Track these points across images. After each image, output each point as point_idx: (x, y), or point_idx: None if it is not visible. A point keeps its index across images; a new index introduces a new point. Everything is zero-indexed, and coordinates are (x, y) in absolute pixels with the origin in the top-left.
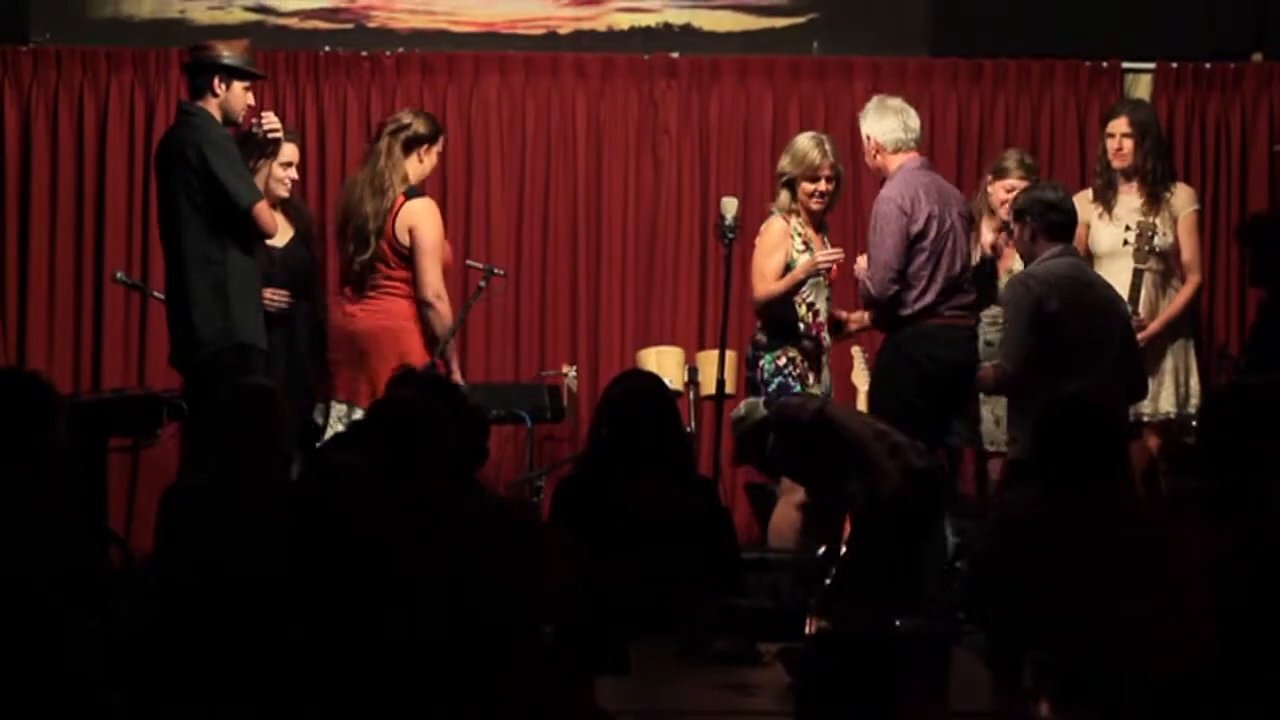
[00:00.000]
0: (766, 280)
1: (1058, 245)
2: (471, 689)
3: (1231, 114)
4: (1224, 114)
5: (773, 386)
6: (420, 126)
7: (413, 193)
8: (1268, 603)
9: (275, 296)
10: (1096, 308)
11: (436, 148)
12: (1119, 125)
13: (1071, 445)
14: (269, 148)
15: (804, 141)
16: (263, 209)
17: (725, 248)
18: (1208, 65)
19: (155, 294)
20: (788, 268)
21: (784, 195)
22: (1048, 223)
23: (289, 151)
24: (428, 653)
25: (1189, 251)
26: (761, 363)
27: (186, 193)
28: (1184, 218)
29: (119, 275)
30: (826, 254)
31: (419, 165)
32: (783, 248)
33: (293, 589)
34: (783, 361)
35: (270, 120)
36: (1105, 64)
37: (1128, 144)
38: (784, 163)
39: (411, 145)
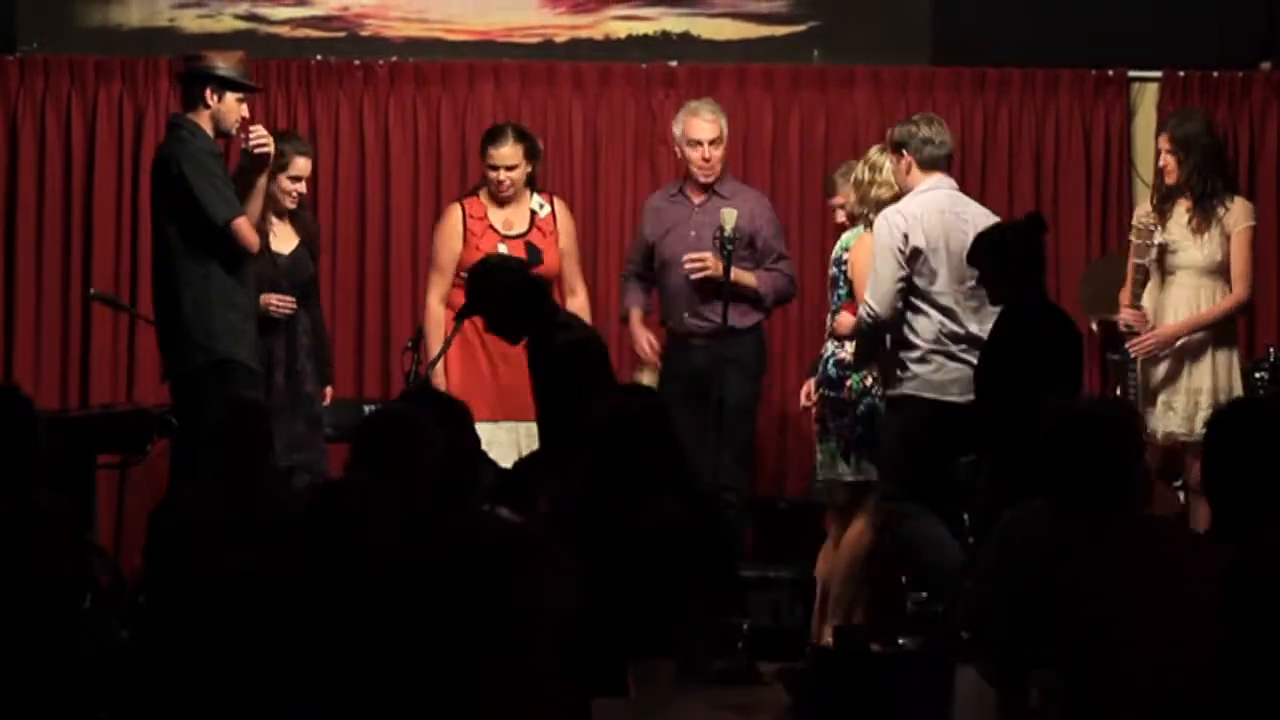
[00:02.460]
0: None
1: (933, 177)
2: (465, 705)
3: (1240, 124)
4: (1232, 124)
5: (861, 407)
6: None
7: (460, 197)
8: (1267, 623)
9: (281, 302)
10: (963, 242)
11: (487, 160)
12: (1162, 142)
13: (1080, 460)
14: (259, 162)
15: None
16: (241, 225)
17: (724, 259)
18: (1215, 74)
19: (130, 308)
20: None
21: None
22: (922, 156)
23: (300, 165)
24: (422, 668)
25: (1238, 266)
26: (849, 382)
27: (168, 208)
28: (1237, 233)
29: (94, 291)
30: None
31: (485, 176)
32: None
33: (295, 602)
34: (869, 381)
35: (258, 135)
36: (1111, 73)
37: (1170, 160)
38: (881, 184)
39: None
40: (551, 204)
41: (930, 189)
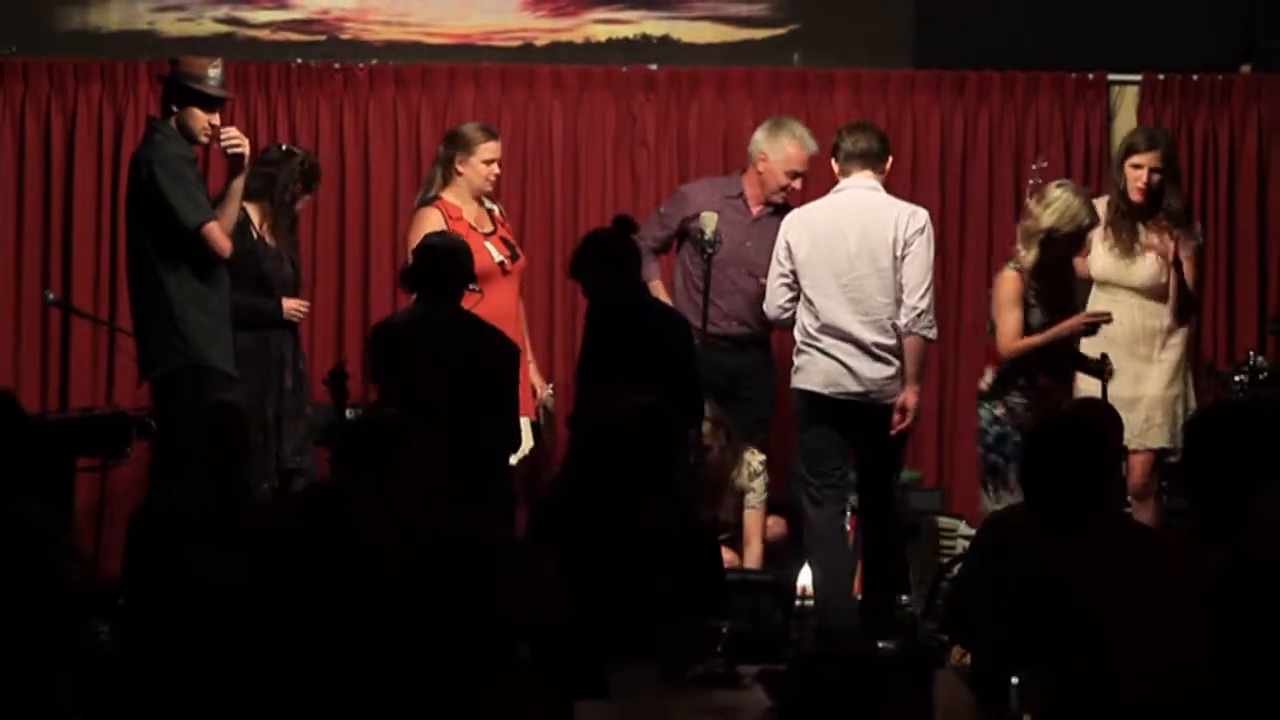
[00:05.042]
0: (1009, 335)
1: (850, 178)
2: (449, 710)
3: (1219, 126)
4: (1211, 126)
5: (990, 436)
6: (445, 143)
7: (421, 202)
8: (1257, 625)
9: (301, 306)
10: (845, 238)
11: (476, 157)
12: (1153, 159)
13: (1059, 466)
14: (235, 163)
15: (1075, 201)
16: (212, 229)
17: (704, 263)
18: (1195, 77)
19: (85, 313)
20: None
21: (1034, 252)
22: (841, 159)
23: (316, 188)
24: (405, 673)
25: (1190, 283)
26: (981, 412)
27: (140, 212)
28: (1188, 256)
29: (50, 296)
30: (1095, 314)
31: (460, 178)
32: (1020, 305)
33: (279, 606)
34: (999, 411)
35: (230, 136)
36: (1091, 76)
37: (1156, 179)
38: (1048, 218)
39: (441, 163)
40: (496, 203)
41: (841, 189)
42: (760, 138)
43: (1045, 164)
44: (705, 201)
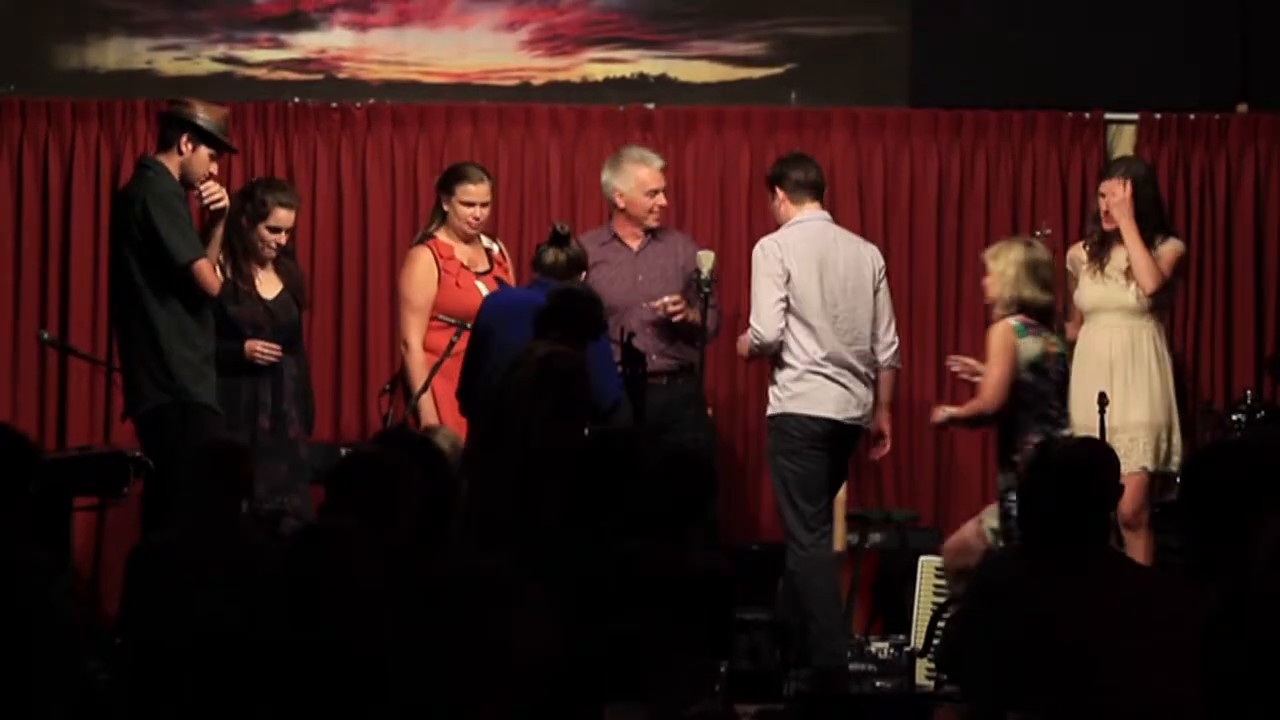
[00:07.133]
0: None
1: (804, 210)
2: None
3: (1216, 165)
4: (1208, 165)
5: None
6: (438, 183)
7: (417, 240)
8: (1253, 666)
9: (267, 349)
10: (833, 268)
11: (456, 198)
12: (1124, 187)
13: (1055, 505)
14: (215, 216)
15: None
16: (202, 266)
17: (701, 301)
18: (1192, 116)
19: (80, 352)
20: None
21: None
22: (790, 190)
23: (280, 216)
24: (395, 713)
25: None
26: None
27: (131, 247)
28: (1163, 253)
29: (45, 336)
30: None
31: (449, 215)
32: None
33: (274, 647)
34: None
35: (210, 190)
36: (1088, 115)
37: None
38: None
39: (436, 197)
40: (496, 242)
41: (803, 220)
42: (607, 178)
43: (1049, 232)
44: (598, 253)
